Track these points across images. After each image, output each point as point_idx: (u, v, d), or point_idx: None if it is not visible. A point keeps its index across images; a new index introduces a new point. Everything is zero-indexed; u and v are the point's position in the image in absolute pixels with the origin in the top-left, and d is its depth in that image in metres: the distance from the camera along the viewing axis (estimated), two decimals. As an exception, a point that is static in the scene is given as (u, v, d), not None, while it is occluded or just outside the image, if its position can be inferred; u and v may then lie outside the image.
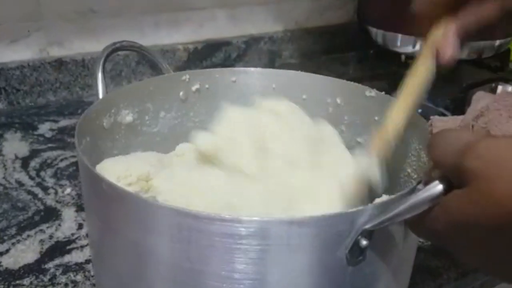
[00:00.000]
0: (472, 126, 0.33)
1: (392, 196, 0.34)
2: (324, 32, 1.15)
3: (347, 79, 0.54)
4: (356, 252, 0.34)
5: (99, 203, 0.37)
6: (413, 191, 0.34)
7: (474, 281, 0.57)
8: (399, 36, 0.96)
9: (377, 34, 1.00)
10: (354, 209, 0.33)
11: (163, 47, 0.98)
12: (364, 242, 0.33)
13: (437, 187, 0.30)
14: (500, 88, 0.92)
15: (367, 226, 0.33)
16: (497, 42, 0.96)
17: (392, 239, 0.36)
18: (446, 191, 0.30)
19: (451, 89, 0.89)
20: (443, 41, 0.39)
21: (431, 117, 0.40)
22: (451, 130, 0.32)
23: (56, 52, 0.91)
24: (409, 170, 0.48)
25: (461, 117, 0.38)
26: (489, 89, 0.92)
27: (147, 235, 0.34)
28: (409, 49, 0.96)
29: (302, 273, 0.34)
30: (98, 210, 0.38)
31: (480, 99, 0.34)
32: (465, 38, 0.39)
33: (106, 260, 0.40)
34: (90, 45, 0.93)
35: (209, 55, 1.03)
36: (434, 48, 0.40)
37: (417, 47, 0.95)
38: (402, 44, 0.96)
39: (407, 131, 0.48)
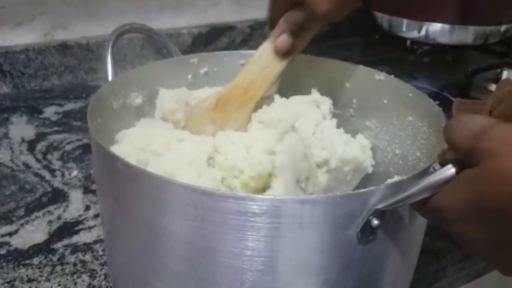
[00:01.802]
0: (491, 112, 0.34)
1: (405, 177, 0.34)
2: (328, 17, 1.15)
3: (352, 64, 0.54)
4: (367, 231, 0.34)
5: (113, 181, 0.38)
6: (424, 172, 0.34)
7: (477, 263, 0.58)
8: (405, 21, 0.96)
9: (383, 18, 0.99)
10: (367, 189, 0.33)
11: (167, 31, 0.98)
12: (375, 222, 0.33)
13: (451, 170, 0.31)
14: (505, 73, 0.92)
15: (379, 206, 0.33)
16: (503, 28, 0.96)
17: (403, 220, 0.37)
18: (458, 174, 0.30)
19: (456, 74, 0.89)
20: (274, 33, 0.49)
21: (454, 99, 0.40)
22: (468, 114, 0.32)
23: (60, 35, 0.91)
24: (418, 153, 0.48)
25: (482, 101, 0.38)
26: (494, 74, 0.91)
27: (161, 212, 0.35)
28: (414, 34, 0.96)
29: (313, 251, 0.34)
30: (112, 189, 0.38)
31: (505, 85, 0.34)
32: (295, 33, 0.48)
33: (119, 238, 0.40)
34: (95, 29, 0.93)
35: (213, 39, 1.03)
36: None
37: (423, 32, 0.95)
38: (407, 29, 0.96)
39: (418, 115, 0.48)
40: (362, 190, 0.33)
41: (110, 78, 0.50)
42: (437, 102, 0.75)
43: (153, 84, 0.52)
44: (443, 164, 0.31)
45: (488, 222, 0.29)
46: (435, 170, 0.31)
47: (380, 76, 0.51)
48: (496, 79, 0.90)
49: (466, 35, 0.95)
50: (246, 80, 0.50)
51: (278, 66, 0.50)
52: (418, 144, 0.48)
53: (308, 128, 0.49)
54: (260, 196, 0.32)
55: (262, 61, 0.50)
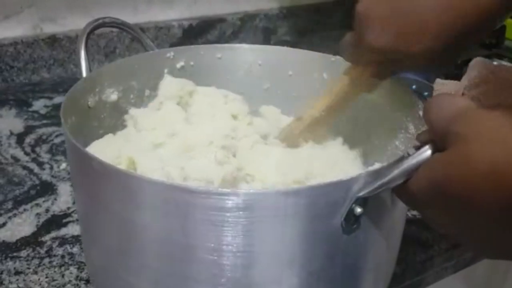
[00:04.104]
0: (462, 94, 0.34)
1: (384, 164, 0.35)
2: (319, 9, 1.15)
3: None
4: (351, 220, 0.34)
5: (88, 181, 0.37)
6: (404, 158, 0.34)
7: (465, 252, 0.58)
8: (395, 12, 0.95)
9: (373, 10, 0.99)
10: (349, 177, 0.33)
11: (157, 24, 0.98)
12: (358, 210, 0.34)
13: (427, 152, 0.31)
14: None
15: (361, 194, 0.33)
16: (493, 19, 0.96)
17: (385, 206, 0.37)
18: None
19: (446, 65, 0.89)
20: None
21: (436, 79, 0.41)
22: (446, 95, 0.32)
23: (49, 28, 0.90)
24: (397, 143, 0.48)
25: (460, 82, 0.39)
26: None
27: (141, 211, 0.34)
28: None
29: (298, 243, 0.34)
30: (87, 188, 0.38)
31: (476, 67, 0.34)
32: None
33: (96, 236, 0.40)
34: (84, 22, 0.90)
35: (203, 32, 1.03)
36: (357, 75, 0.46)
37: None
38: (397, 20, 0.96)
39: (396, 104, 0.48)
40: (344, 179, 0.33)
41: (84, 74, 0.49)
42: (426, 93, 0.76)
43: (129, 80, 0.52)
44: (419, 146, 0.31)
45: (453, 206, 0.29)
46: (409, 155, 0.31)
47: None
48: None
49: (456, 26, 0.95)
50: (337, 100, 0.48)
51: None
52: (397, 133, 0.48)
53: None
54: (243, 191, 0.32)
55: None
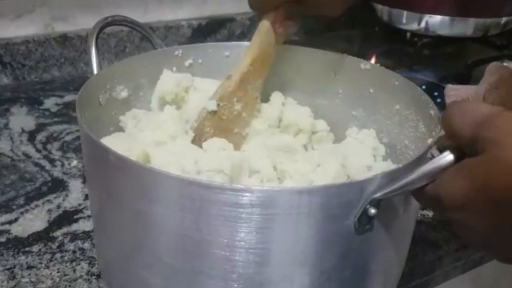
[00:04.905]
0: (484, 98, 0.34)
1: (400, 165, 0.34)
2: (328, 10, 1.14)
3: (352, 57, 0.54)
4: (364, 220, 0.34)
5: (103, 174, 0.37)
6: (420, 160, 0.34)
7: (474, 253, 0.58)
8: (405, 13, 0.95)
9: (383, 11, 0.99)
10: (364, 178, 0.33)
11: (167, 23, 0.98)
12: (372, 211, 0.33)
13: (449, 156, 0.31)
14: (505, 66, 0.92)
15: (376, 195, 0.33)
16: (503, 20, 0.95)
17: (397, 208, 0.37)
18: (457, 161, 0.31)
19: (456, 66, 0.89)
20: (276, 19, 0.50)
21: (446, 85, 0.40)
22: (468, 102, 0.32)
23: (60, 27, 0.91)
24: (406, 142, 0.48)
25: (474, 87, 0.39)
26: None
27: (157, 206, 0.34)
28: (414, 26, 0.96)
29: (310, 242, 0.34)
30: (102, 182, 0.38)
31: (494, 72, 0.34)
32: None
33: (109, 230, 0.40)
34: (95, 21, 0.91)
35: (213, 31, 1.03)
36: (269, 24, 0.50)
37: (423, 24, 0.95)
38: (407, 21, 0.96)
39: (406, 103, 0.48)
40: (359, 179, 0.33)
41: (95, 71, 0.49)
42: (436, 93, 0.76)
43: (138, 77, 0.52)
44: (440, 151, 0.31)
45: (491, 211, 0.29)
46: (433, 156, 0.31)
47: (366, 65, 0.51)
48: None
49: (466, 27, 0.95)
50: (261, 52, 0.51)
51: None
52: (406, 133, 0.48)
53: None
54: (258, 188, 0.32)
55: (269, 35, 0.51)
